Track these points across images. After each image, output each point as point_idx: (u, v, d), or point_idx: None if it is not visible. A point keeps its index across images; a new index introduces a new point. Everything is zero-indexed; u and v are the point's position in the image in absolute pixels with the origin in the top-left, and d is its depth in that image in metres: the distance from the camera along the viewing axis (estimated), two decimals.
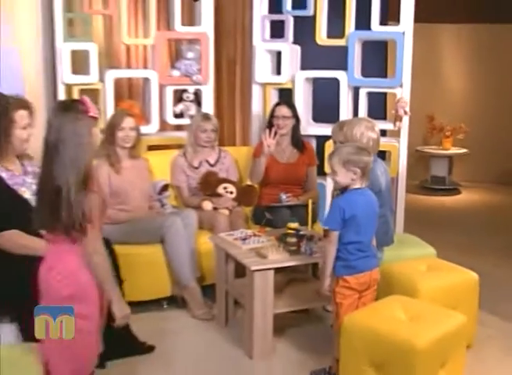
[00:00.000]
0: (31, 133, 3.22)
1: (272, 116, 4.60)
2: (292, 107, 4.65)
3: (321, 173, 4.92)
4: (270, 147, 4.41)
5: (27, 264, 2.74)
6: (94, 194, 2.36)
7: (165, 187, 4.43)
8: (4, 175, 3.11)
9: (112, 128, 4.07)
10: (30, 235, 3.01)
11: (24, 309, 2.69)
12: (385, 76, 5.90)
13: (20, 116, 3.17)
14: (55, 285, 2.38)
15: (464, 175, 8.30)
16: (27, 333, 2.77)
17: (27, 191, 3.15)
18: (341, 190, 3.04)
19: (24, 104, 3.24)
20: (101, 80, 4.75)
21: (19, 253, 2.99)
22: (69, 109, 2.36)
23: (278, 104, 4.66)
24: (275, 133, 4.48)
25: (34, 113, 3.27)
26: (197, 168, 4.48)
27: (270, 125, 4.59)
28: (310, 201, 3.87)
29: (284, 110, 4.56)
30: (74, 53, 4.65)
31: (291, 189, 4.53)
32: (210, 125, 4.49)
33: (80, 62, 4.80)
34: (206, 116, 4.56)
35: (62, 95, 4.66)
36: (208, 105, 5.07)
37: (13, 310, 2.98)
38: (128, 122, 4.10)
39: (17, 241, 3.02)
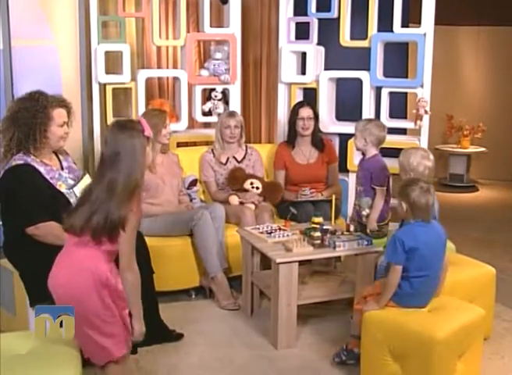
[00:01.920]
0: (68, 131, 3.30)
1: (295, 117, 4.64)
2: (313, 107, 4.72)
3: (344, 169, 5.03)
4: None
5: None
6: (133, 212, 2.41)
7: (194, 182, 4.55)
8: (42, 169, 3.19)
9: (155, 127, 4.07)
10: None
11: None
12: (406, 76, 5.96)
13: (58, 113, 3.24)
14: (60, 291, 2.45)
15: (482, 173, 8.32)
16: None
17: (63, 185, 3.24)
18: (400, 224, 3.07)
19: (63, 103, 3.31)
20: (134, 79, 4.88)
21: (56, 244, 2.94)
22: (125, 127, 2.45)
23: (300, 105, 4.69)
24: (295, 131, 4.64)
25: (72, 113, 3.35)
26: (224, 164, 4.59)
27: (293, 126, 4.67)
28: (333, 197, 3.92)
29: (308, 111, 4.62)
30: (108, 54, 4.79)
31: (314, 187, 4.62)
32: (233, 121, 4.57)
33: (113, 63, 4.96)
34: (230, 113, 4.65)
35: (96, 94, 4.80)
36: (235, 104, 5.17)
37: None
38: (168, 119, 4.23)
39: (54, 232, 3.07)
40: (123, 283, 2.45)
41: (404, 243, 2.86)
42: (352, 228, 3.79)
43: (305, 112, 4.62)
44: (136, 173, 2.41)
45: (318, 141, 4.73)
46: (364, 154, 3.95)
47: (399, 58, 5.98)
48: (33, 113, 3.15)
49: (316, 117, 4.70)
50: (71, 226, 2.44)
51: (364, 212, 3.88)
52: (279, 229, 3.88)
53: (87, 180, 3.35)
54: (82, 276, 2.39)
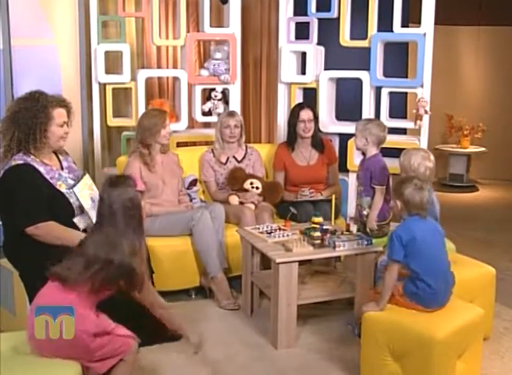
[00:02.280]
0: (68, 131, 3.31)
1: (296, 120, 4.61)
2: (313, 109, 4.70)
3: (344, 169, 5.03)
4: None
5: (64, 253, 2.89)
6: (141, 262, 2.50)
7: (194, 182, 4.55)
8: (42, 169, 3.19)
9: (155, 127, 4.13)
10: (66, 227, 3.13)
11: None
12: (405, 76, 5.96)
13: (58, 113, 3.24)
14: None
15: (482, 173, 8.32)
16: None
17: (63, 185, 3.24)
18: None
19: (63, 103, 3.31)
20: (133, 79, 4.90)
21: (56, 244, 3.03)
22: (117, 184, 2.50)
23: (301, 108, 4.65)
24: (295, 134, 4.62)
25: (72, 112, 3.35)
26: (224, 164, 4.59)
27: (293, 128, 4.65)
28: (333, 197, 3.92)
29: (309, 113, 4.60)
30: (108, 53, 4.81)
31: (314, 187, 4.61)
32: (233, 121, 4.56)
33: (113, 62, 4.99)
34: (230, 113, 4.65)
35: (96, 94, 4.82)
36: (235, 104, 5.17)
37: None
38: (167, 119, 4.22)
39: (54, 232, 3.09)
40: (166, 320, 2.73)
41: (402, 237, 2.88)
42: (355, 228, 3.78)
43: (306, 114, 4.60)
44: (136, 231, 2.47)
45: (318, 142, 4.72)
46: (364, 154, 3.95)
47: (399, 58, 5.98)
48: (34, 113, 3.15)
49: (316, 119, 4.69)
50: (59, 275, 2.44)
51: (364, 212, 3.88)
52: (279, 229, 3.87)
53: (86, 180, 3.36)
54: None
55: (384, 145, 3.99)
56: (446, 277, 3.00)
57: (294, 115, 4.65)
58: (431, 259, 2.92)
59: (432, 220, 3.05)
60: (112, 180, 2.57)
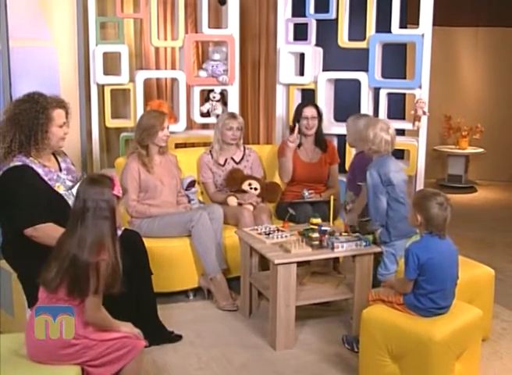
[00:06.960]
0: (67, 131, 3.31)
1: (299, 116, 4.62)
2: (317, 108, 4.70)
3: (343, 170, 5.00)
4: (293, 142, 4.52)
5: None
6: (104, 263, 2.39)
7: (192, 183, 4.53)
8: (40, 171, 3.17)
9: (153, 128, 4.13)
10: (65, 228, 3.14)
11: None
12: (404, 77, 5.97)
13: (58, 114, 3.24)
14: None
15: (480, 174, 8.31)
16: None
17: (62, 187, 3.23)
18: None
19: (61, 103, 3.31)
20: (132, 80, 4.91)
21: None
22: (95, 183, 2.46)
23: (305, 105, 4.67)
24: (299, 131, 4.58)
25: (70, 113, 3.35)
26: (222, 165, 4.58)
27: (295, 125, 4.64)
28: (332, 198, 3.90)
29: (313, 111, 4.60)
30: (106, 54, 4.81)
31: (314, 187, 4.62)
32: (236, 123, 4.56)
33: (111, 64, 4.97)
34: (232, 115, 4.64)
35: (94, 95, 4.83)
36: (234, 105, 5.18)
37: None
38: (166, 121, 4.21)
39: (52, 234, 2.97)
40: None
41: (419, 257, 2.84)
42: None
43: (309, 111, 4.61)
44: (104, 231, 2.41)
45: (322, 140, 4.73)
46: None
47: (397, 60, 5.99)
48: (34, 114, 3.15)
49: (320, 116, 4.68)
50: (45, 281, 2.43)
51: (347, 207, 3.89)
52: (278, 230, 3.87)
53: None
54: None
55: None
56: (451, 297, 2.97)
57: (298, 112, 4.67)
58: (444, 281, 2.89)
59: (448, 239, 2.98)
60: (91, 178, 2.54)
